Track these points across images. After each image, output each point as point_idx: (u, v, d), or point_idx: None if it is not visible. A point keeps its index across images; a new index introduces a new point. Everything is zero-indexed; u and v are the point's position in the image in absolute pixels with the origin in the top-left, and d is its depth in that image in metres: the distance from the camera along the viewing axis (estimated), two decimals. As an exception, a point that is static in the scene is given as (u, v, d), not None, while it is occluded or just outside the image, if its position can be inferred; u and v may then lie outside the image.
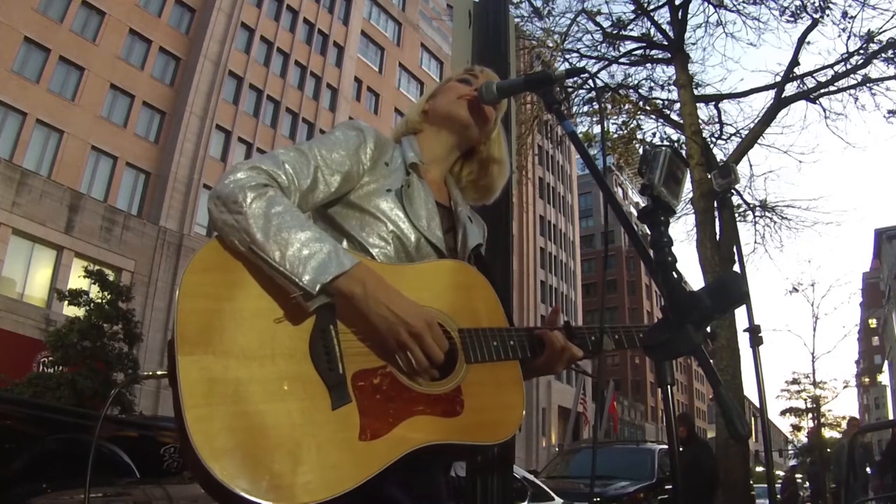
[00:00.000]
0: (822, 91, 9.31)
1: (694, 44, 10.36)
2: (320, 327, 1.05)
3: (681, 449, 6.35)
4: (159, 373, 1.03)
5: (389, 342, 1.07)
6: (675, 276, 1.13)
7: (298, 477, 0.95)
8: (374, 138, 1.29)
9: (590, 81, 6.41)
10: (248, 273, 1.05)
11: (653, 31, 9.52)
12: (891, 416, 48.61)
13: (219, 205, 1.07)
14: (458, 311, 1.20)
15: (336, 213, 1.25)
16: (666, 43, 9.33)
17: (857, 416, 58.20)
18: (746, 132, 9.39)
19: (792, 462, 44.77)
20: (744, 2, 9.30)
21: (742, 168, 9.76)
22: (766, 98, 12.06)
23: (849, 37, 8.79)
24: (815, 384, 31.80)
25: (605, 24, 9.50)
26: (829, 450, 32.18)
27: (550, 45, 9.49)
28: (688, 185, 5.32)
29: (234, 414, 0.95)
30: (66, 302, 15.94)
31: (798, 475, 24.37)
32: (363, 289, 1.05)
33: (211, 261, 1.05)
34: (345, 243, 1.22)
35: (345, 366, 1.05)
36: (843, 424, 43.76)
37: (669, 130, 10.09)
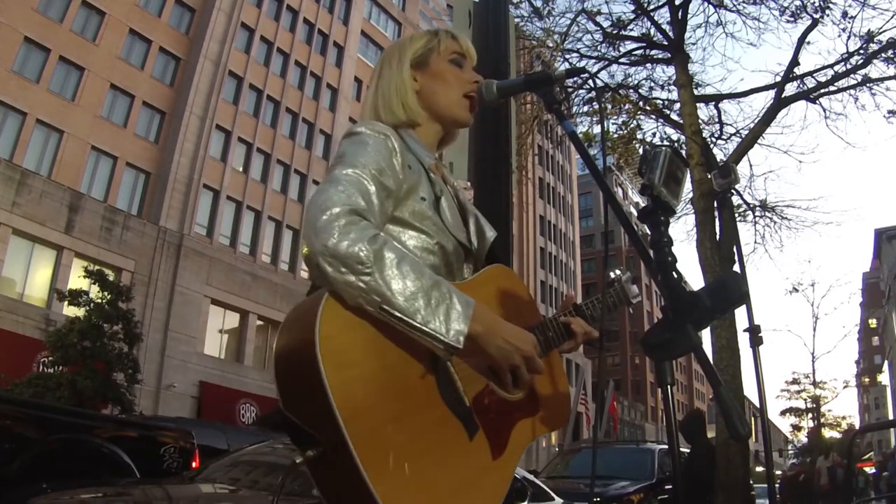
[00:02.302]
0: (822, 91, 9.30)
1: (694, 44, 10.36)
2: (443, 367, 1.09)
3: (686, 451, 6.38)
4: (311, 453, 0.92)
5: (502, 366, 1.13)
6: (675, 276, 1.13)
7: None
8: (399, 143, 1.23)
9: (590, 81, 6.40)
10: (374, 329, 1.02)
11: (653, 31, 9.51)
12: (891, 416, 48.61)
13: (336, 265, 0.99)
14: (512, 317, 1.24)
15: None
16: (666, 43, 9.32)
17: (857, 415, 58.24)
18: (746, 132, 9.38)
19: (792, 462, 44.79)
20: (744, 2, 9.30)
21: (742, 168, 9.76)
22: (766, 98, 12.08)
23: (849, 37, 8.78)
24: (815, 384, 31.83)
25: (605, 24, 9.50)
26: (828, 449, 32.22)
27: (550, 45, 9.49)
28: (688, 185, 5.32)
29: (413, 476, 0.98)
30: (66, 302, 15.94)
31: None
32: (483, 327, 1.08)
33: (339, 323, 0.99)
34: None
35: (467, 396, 1.12)
36: (843, 424, 43.83)
37: (669, 130, 10.08)
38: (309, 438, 0.96)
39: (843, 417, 46.11)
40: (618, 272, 1.53)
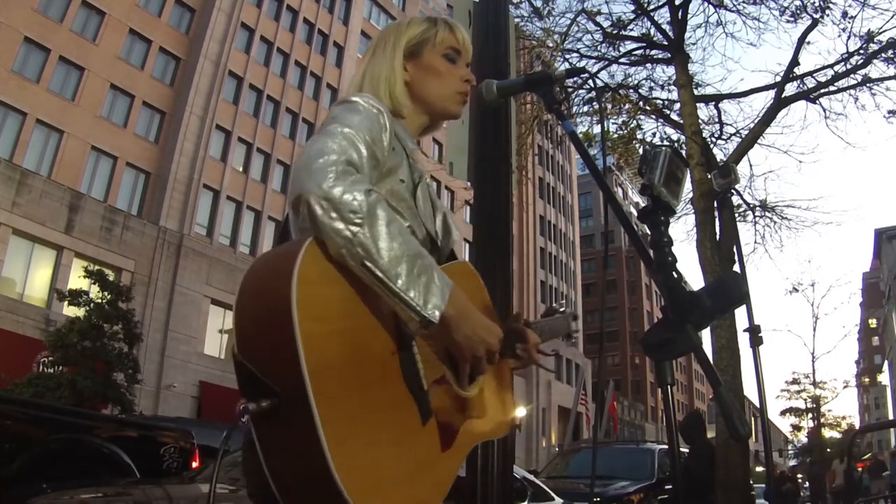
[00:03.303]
0: (822, 91, 9.29)
1: (694, 44, 10.34)
2: (407, 345, 1.04)
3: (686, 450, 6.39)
4: (264, 404, 0.86)
5: (464, 355, 1.09)
6: (676, 276, 1.13)
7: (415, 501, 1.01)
8: (390, 120, 1.19)
9: (590, 81, 6.42)
10: (349, 287, 0.96)
11: (653, 31, 9.50)
12: (891, 416, 48.63)
13: (328, 209, 0.94)
14: None
15: None
16: (666, 43, 9.32)
17: (857, 415, 58.19)
18: (746, 132, 9.38)
19: (792, 462, 44.78)
20: (744, 2, 9.29)
21: (742, 168, 9.76)
22: (766, 98, 12.05)
23: (849, 37, 8.78)
24: (815, 384, 31.81)
25: (605, 24, 9.49)
26: (829, 450, 32.20)
27: (550, 45, 9.49)
28: (688, 185, 5.32)
29: (369, 447, 0.92)
30: (66, 302, 15.96)
31: (798, 475, 24.35)
32: (456, 311, 1.05)
33: (317, 272, 0.93)
34: None
35: (426, 381, 1.07)
36: (843, 424, 43.85)
37: (669, 130, 10.08)
38: (262, 390, 0.87)
39: (843, 417, 46.16)
40: (562, 303, 1.59)
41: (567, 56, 9.50)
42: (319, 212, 0.94)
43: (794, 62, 9.11)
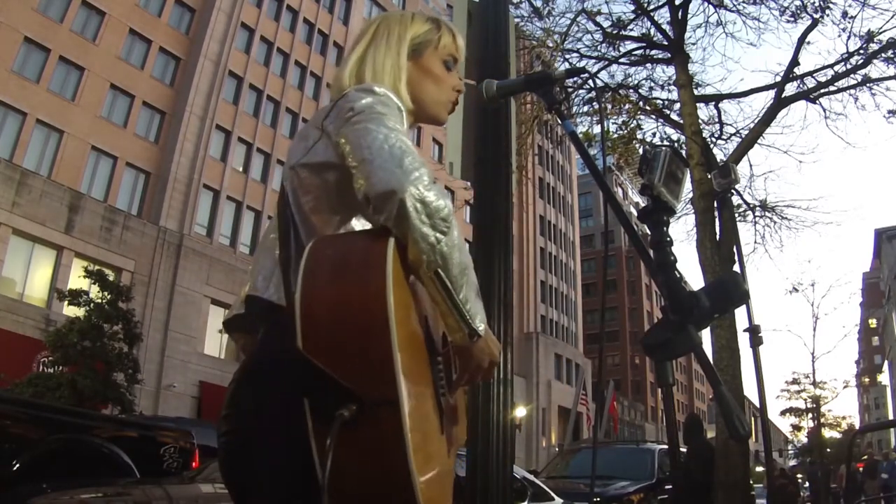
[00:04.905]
0: (822, 91, 9.28)
1: (694, 44, 10.33)
2: (435, 351, 1.06)
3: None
4: (353, 407, 0.82)
5: (471, 364, 1.10)
6: (676, 276, 1.13)
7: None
8: (407, 122, 1.14)
9: (590, 81, 6.43)
10: (409, 292, 0.98)
11: (653, 31, 9.50)
12: (891, 416, 48.64)
13: (421, 212, 0.93)
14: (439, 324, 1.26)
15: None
16: (666, 43, 9.31)
17: (857, 415, 58.20)
18: (746, 132, 9.37)
19: (792, 462, 44.77)
20: (744, 2, 9.28)
21: (742, 168, 9.74)
22: (766, 98, 12.04)
23: (849, 37, 8.77)
24: (815, 384, 31.75)
25: (605, 24, 9.48)
26: (828, 449, 32.19)
27: (550, 45, 9.48)
28: (688, 185, 5.32)
29: (425, 454, 0.92)
30: (66, 302, 15.96)
31: (798, 475, 24.34)
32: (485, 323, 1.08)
33: (398, 273, 0.92)
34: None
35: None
36: (843, 424, 43.85)
37: (669, 130, 10.06)
38: (335, 393, 0.84)
39: (843, 417, 46.08)
40: None
41: (567, 56, 9.50)
42: (413, 214, 0.92)
43: (794, 62, 9.10)
